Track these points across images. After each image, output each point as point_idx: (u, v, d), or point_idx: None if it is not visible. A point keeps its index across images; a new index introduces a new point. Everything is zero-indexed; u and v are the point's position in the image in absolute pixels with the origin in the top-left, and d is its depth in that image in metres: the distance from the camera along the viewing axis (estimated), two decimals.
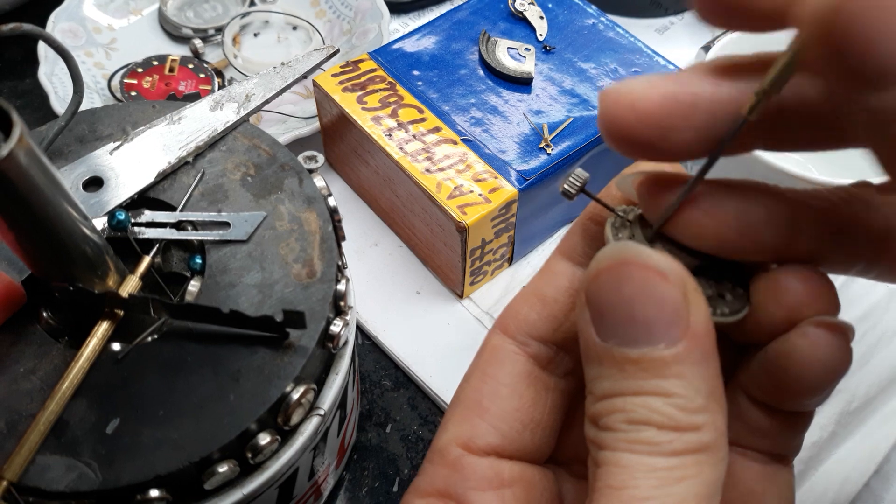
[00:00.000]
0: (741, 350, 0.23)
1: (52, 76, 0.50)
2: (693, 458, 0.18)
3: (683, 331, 0.18)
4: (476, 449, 0.22)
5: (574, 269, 0.24)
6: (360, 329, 0.45)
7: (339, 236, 0.32)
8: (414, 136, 0.43)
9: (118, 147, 0.33)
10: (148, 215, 0.31)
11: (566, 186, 0.22)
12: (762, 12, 0.17)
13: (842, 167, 0.48)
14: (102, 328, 0.27)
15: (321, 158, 0.33)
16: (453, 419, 0.23)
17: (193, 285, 0.31)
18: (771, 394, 0.21)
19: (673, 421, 0.18)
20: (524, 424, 0.23)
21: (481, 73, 0.46)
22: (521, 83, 0.46)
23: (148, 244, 0.31)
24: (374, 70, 0.46)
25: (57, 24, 0.54)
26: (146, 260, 0.30)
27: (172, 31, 0.57)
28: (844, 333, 0.20)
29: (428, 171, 0.41)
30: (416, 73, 0.46)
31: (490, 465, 0.22)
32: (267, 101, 0.36)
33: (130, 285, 0.29)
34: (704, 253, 0.21)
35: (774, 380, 0.21)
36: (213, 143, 0.33)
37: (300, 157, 0.33)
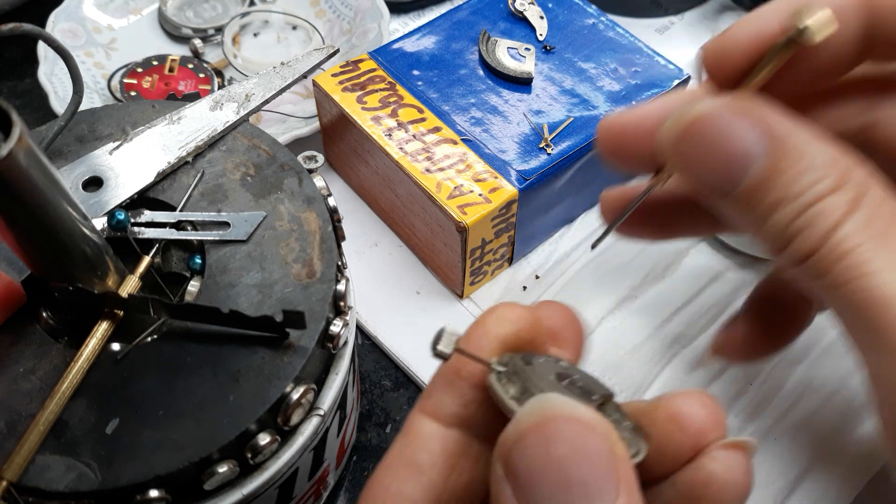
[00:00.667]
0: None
1: (51, 76, 0.50)
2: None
3: (617, 484, 0.17)
4: None
5: (445, 431, 0.21)
6: (360, 329, 0.44)
7: (338, 236, 0.32)
8: (414, 136, 0.43)
9: (118, 147, 0.33)
10: (147, 215, 0.31)
11: (440, 348, 0.21)
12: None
13: None
14: (102, 328, 0.27)
15: (321, 158, 0.33)
16: None
17: (193, 285, 0.31)
18: None
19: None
20: None
21: (481, 72, 0.46)
22: (521, 83, 0.46)
23: (148, 244, 0.31)
24: (373, 70, 0.46)
25: (57, 24, 0.54)
26: (146, 260, 0.30)
27: (172, 31, 0.57)
28: (751, 451, 0.20)
29: (428, 170, 0.41)
30: (416, 72, 0.46)
31: None
32: (267, 101, 0.36)
33: (130, 285, 0.29)
34: (602, 397, 0.20)
35: None
36: (212, 143, 0.33)
37: (300, 157, 0.33)
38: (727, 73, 0.23)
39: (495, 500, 0.18)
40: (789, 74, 0.22)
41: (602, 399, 0.20)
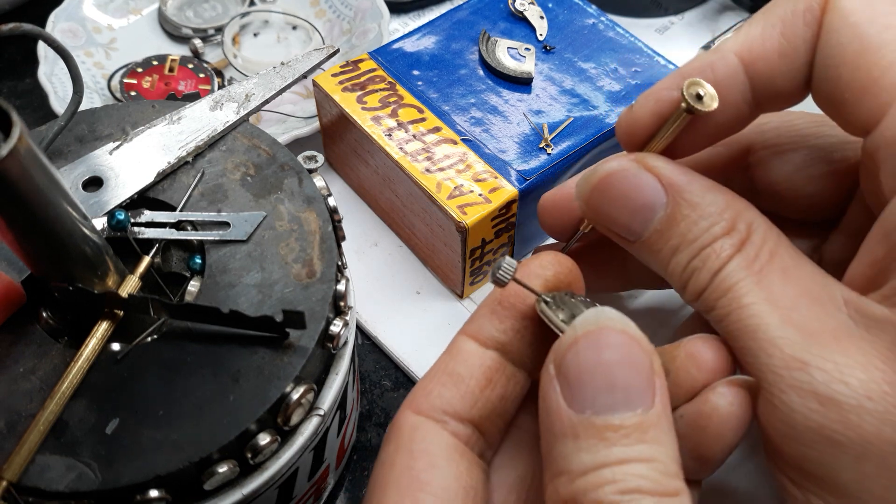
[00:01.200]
0: None
1: (51, 76, 0.50)
2: None
3: (653, 396, 0.19)
4: None
5: (483, 351, 0.24)
6: (360, 329, 0.44)
7: (338, 236, 0.32)
8: (414, 136, 0.43)
9: (118, 147, 0.33)
10: (147, 215, 0.31)
11: (499, 275, 0.23)
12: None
13: None
14: (102, 328, 0.27)
15: (321, 158, 0.33)
16: (388, 499, 0.22)
17: (193, 285, 0.31)
18: (687, 455, 0.22)
19: (659, 486, 0.18)
20: (466, 492, 0.22)
21: (481, 72, 0.46)
22: (521, 83, 0.46)
23: (148, 244, 0.31)
24: (373, 70, 0.46)
25: (56, 24, 0.54)
26: (146, 260, 0.30)
27: (172, 31, 0.57)
28: (753, 388, 0.22)
29: (428, 170, 0.41)
30: (416, 72, 0.46)
31: None
32: (267, 101, 0.36)
33: (130, 285, 0.29)
34: None
35: (691, 441, 0.22)
36: (212, 143, 0.33)
37: (300, 157, 0.33)
38: (635, 140, 0.26)
39: (543, 397, 0.20)
40: (690, 136, 0.25)
41: None
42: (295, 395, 0.27)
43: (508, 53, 0.47)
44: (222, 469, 0.26)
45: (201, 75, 0.54)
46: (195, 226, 0.31)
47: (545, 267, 0.24)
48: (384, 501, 0.22)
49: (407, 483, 0.22)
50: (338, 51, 0.39)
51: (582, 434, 0.19)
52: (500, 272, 0.23)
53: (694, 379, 0.22)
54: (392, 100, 0.45)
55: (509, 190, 0.41)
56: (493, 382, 0.23)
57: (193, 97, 0.52)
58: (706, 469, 0.23)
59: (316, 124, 0.49)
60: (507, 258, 0.23)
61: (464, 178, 0.41)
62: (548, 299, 0.23)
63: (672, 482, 0.19)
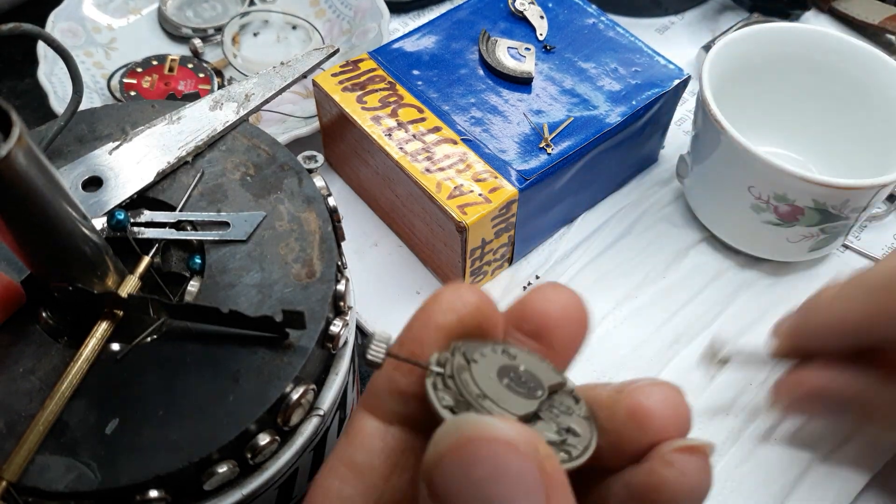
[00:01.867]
0: (589, 478, 0.21)
1: (51, 76, 0.50)
2: None
3: (546, 500, 0.16)
4: None
5: (385, 428, 0.21)
6: (360, 329, 0.44)
7: (338, 236, 0.32)
8: (414, 136, 0.43)
9: (117, 147, 0.33)
10: (147, 215, 0.31)
11: (370, 356, 0.20)
12: None
13: (842, 167, 0.49)
14: (102, 328, 0.27)
15: (321, 158, 0.33)
16: None
17: (193, 285, 0.31)
18: None
19: None
20: None
21: (481, 72, 0.46)
22: (521, 83, 0.46)
23: (147, 244, 0.31)
24: (373, 70, 0.46)
25: (56, 24, 0.54)
26: (145, 260, 0.30)
27: (172, 31, 0.57)
28: (707, 455, 0.19)
29: (428, 170, 0.41)
30: (415, 72, 0.46)
31: None
32: (266, 101, 0.35)
33: (130, 285, 0.29)
34: (548, 389, 0.19)
35: None
36: (212, 143, 0.33)
37: (300, 157, 0.33)
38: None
39: None
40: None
41: (549, 391, 0.20)
42: (295, 396, 0.27)
43: (508, 53, 0.47)
44: (222, 469, 0.26)
45: (201, 75, 0.54)
46: (195, 226, 0.31)
47: (444, 314, 0.21)
48: None
49: None
50: (338, 51, 0.39)
51: None
52: (369, 354, 0.20)
53: (637, 440, 0.19)
54: (392, 100, 0.44)
55: (509, 190, 0.41)
56: (400, 467, 0.20)
57: (193, 97, 0.52)
58: None
59: (316, 124, 0.49)
60: (378, 333, 0.20)
61: (464, 178, 0.41)
62: (437, 370, 0.19)
63: None
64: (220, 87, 0.53)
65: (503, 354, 0.20)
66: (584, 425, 0.19)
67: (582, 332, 0.22)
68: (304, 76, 0.37)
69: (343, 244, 0.33)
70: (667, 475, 0.19)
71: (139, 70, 0.53)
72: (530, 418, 0.19)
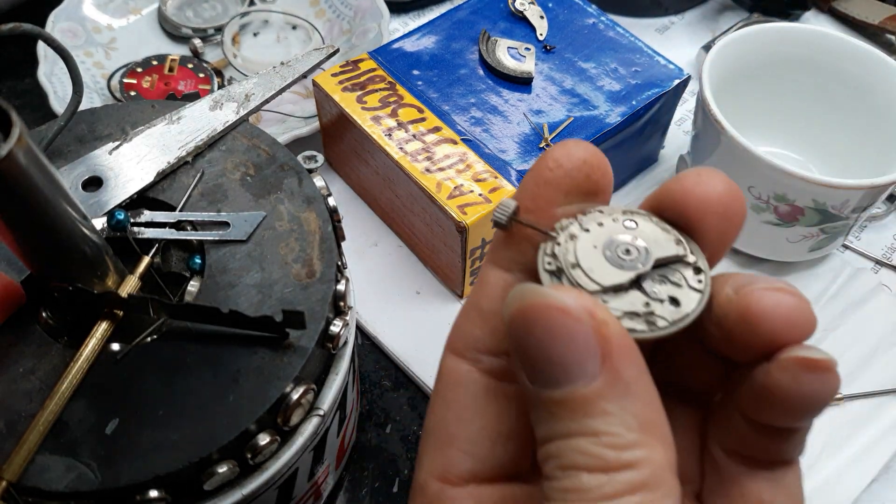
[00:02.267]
0: (726, 369, 0.22)
1: (51, 76, 0.50)
2: (630, 500, 0.17)
3: (599, 366, 0.18)
4: (454, 479, 0.22)
5: (506, 276, 0.22)
6: (360, 329, 0.44)
7: (338, 236, 0.32)
8: (414, 136, 0.43)
9: (117, 147, 0.33)
10: (147, 215, 0.31)
11: (495, 216, 0.21)
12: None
13: (842, 167, 0.49)
14: (102, 328, 0.27)
15: (321, 158, 0.33)
16: (426, 453, 0.22)
17: (193, 285, 0.31)
18: (761, 416, 0.21)
19: (603, 462, 0.18)
20: (494, 441, 0.22)
21: (481, 72, 0.46)
22: (521, 83, 0.46)
23: (147, 244, 0.31)
24: (373, 70, 0.46)
25: (56, 24, 0.54)
26: (145, 260, 0.30)
27: (172, 31, 0.57)
28: (829, 369, 0.19)
29: (428, 170, 0.41)
30: (416, 72, 0.46)
31: (470, 494, 0.22)
32: (266, 101, 0.35)
33: (130, 285, 0.29)
34: (654, 262, 0.20)
35: (763, 405, 0.20)
36: (212, 143, 0.33)
37: (300, 157, 0.33)
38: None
39: (514, 367, 0.20)
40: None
41: (657, 263, 0.20)
42: (295, 396, 0.27)
43: (508, 53, 0.47)
44: (222, 469, 0.26)
45: (201, 75, 0.54)
46: (195, 226, 0.31)
47: (553, 168, 0.21)
48: (422, 450, 0.22)
49: (438, 437, 0.22)
50: (338, 51, 0.39)
51: (535, 406, 0.19)
52: (496, 214, 0.21)
53: (748, 345, 0.20)
54: (392, 100, 0.44)
55: (509, 190, 0.41)
56: None
57: (193, 97, 0.52)
58: (785, 444, 0.21)
59: (316, 124, 0.49)
60: (505, 199, 0.21)
61: (464, 178, 0.41)
62: (553, 234, 0.21)
63: (622, 455, 0.18)
64: (220, 87, 0.53)
65: (626, 223, 0.21)
66: (692, 297, 0.20)
67: (734, 225, 0.21)
68: (304, 76, 0.37)
69: (343, 244, 0.33)
70: (781, 379, 0.19)
71: (139, 70, 0.53)
72: (621, 288, 0.20)
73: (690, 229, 0.21)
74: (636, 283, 0.20)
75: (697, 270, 0.21)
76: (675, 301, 0.20)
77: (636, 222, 0.21)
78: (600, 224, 0.21)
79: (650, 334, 0.20)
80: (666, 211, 0.21)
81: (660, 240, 0.21)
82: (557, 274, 0.21)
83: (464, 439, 0.22)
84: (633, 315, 0.20)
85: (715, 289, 0.21)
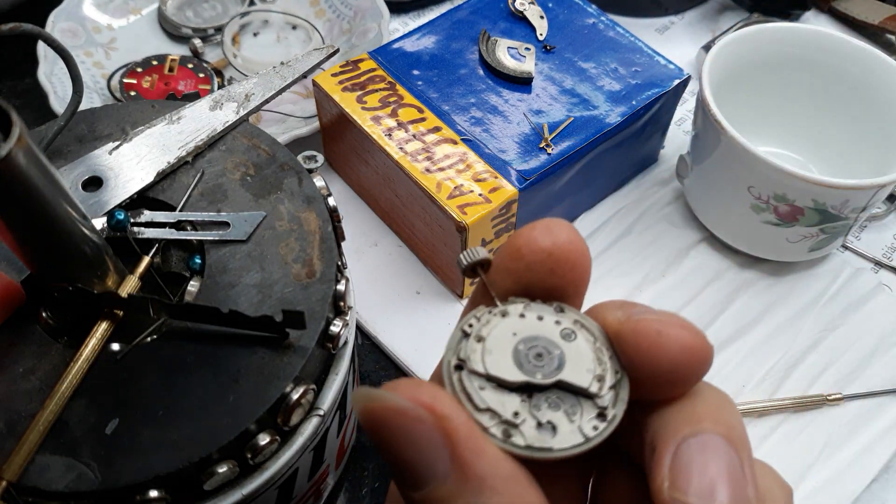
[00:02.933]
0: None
1: (51, 76, 0.50)
2: None
3: (448, 463, 0.17)
4: None
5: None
6: (360, 329, 0.44)
7: (338, 236, 0.32)
8: (414, 136, 0.43)
9: (117, 147, 0.33)
10: (147, 215, 0.31)
11: (461, 258, 0.20)
12: None
13: (842, 167, 0.49)
14: (102, 328, 0.27)
15: (321, 158, 0.33)
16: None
17: (193, 285, 0.31)
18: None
19: None
20: None
21: (481, 72, 0.46)
22: (521, 83, 0.46)
23: (147, 244, 0.31)
24: (373, 70, 0.46)
25: (56, 24, 0.54)
26: (145, 260, 0.30)
27: (172, 31, 0.57)
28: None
29: (428, 170, 0.41)
30: (415, 72, 0.46)
31: None
32: (266, 101, 0.35)
33: (130, 285, 0.29)
34: (556, 380, 0.19)
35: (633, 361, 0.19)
36: (212, 143, 0.33)
37: (300, 157, 0.33)
38: None
39: None
40: None
41: (557, 382, 0.19)
42: (295, 396, 0.27)
43: (508, 53, 0.47)
44: (222, 469, 0.26)
45: (201, 75, 0.54)
46: (195, 226, 0.31)
47: (509, 266, 0.20)
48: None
49: None
50: (338, 51, 0.39)
51: None
52: (462, 255, 0.20)
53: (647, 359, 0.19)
54: (392, 100, 0.44)
55: (509, 190, 0.41)
56: None
57: (193, 97, 0.52)
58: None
59: (316, 124, 0.49)
60: (480, 248, 0.20)
61: (464, 178, 0.41)
62: (488, 310, 0.20)
63: None
64: (220, 87, 0.53)
65: (564, 330, 0.19)
66: (572, 437, 0.18)
67: (584, 272, 0.20)
68: (304, 76, 0.37)
69: (343, 244, 0.33)
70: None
71: (139, 70, 0.53)
72: (504, 385, 0.19)
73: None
74: (525, 390, 0.19)
75: (601, 417, 0.19)
76: (552, 428, 0.18)
77: (575, 334, 0.19)
78: (540, 318, 0.19)
79: (503, 445, 0.18)
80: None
81: (585, 364, 0.19)
82: (465, 337, 0.19)
83: None
84: (494, 415, 0.18)
85: (602, 314, 0.19)
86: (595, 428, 0.18)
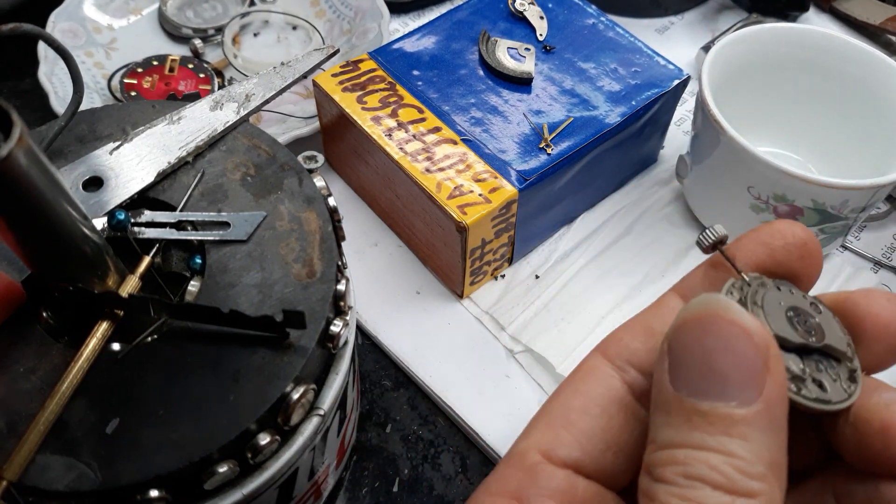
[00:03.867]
0: (827, 456, 0.22)
1: (51, 76, 0.50)
2: None
3: (757, 393, 0.18)
4: (555, 459, 0.22)
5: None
6: (360, 329, 0.44)
7: (339, 236, 0.32)
8: (414, 136, 0.43)
9: (118, 147, 0.33)
10: (148, 215, 0.31)
11: (701, 237, 0.22)
12: None
13: (842, 167, 0.49)
14: (102, 328, 0.27)
15: (321, 158, 0.33)
16: (538, 426, 0.23)
17: (193, 285, 0.31)
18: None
19: (729, 482, 0.18)
20: (608, 446, 0.22)
21: (481, 73, 0.46)
22: (521, 83, 0.46)
23: (148, 244, 0.31)
24: (373, 70, 0.46)
25: (57, 24, 0.54)
26: (146, 260, 0.30)
27: (172, 31, 0.57)
28: None
29: (428, 171, 0.41)
30: (416, 72, 0.46)
31: (566, 478, 0.22)
32: (267, 101, 0.36)
33: (130, 285, 0.29)
34: (823, 344, 0.21)
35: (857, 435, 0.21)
36: (212, 143, 0.33)
37: (300, 157, 0.33)
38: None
39: (655, 368, 0.20)
40: None
41: (825, 348, 0.21)
42: (295, 395, 0.27)
43: (508, 53, 0.47)
44: (222, 469, 0.26)
45: (201, 75, 0.54)
46: (195, 226, 0.31)
47: (767, 241, 0.22)
48: (533, 424, 0.23)
49: (557, 416, 0.23)
50: (338, 51, 0.39)
51: (673, 411, 0.19)
52: (703, 235, 0.22)
53: (884, 458, 0.20)
54: (392, 100, 0.45)
55: (509, 190, 0.41)
56: None
57: (193, 97, 0.53)
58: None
59: (316, 124, 0.49)
60: (719, 225, 0.23)
61: (464, 178, 0.41)
62: (745, 279, 0.22)
63: (748, 483, 0.18)
64: (220, 88, 0.53)
65: (812, 303, 0.22)
66: (839, 394, 0.21)
67: (819, 268, 0.23)
68: (305, 76, 0.37)
69: (343, 244, 0.33)
70: (879, 401, 0.20)
71: (140, 70, 0.53)
72: (786, 345, 0.21)
73: (857, 341, 0.22)
74: (799, 352, 0.21)
75: (852, 377, 0.21)
76: (821, 387, 0.20)
77: (820, 308, 0.22)
78: (791, 292, 0.22)
79: (795, 397, 0.20)
80: (842, 314, 0.22)
81: (836, 333, 0.22)
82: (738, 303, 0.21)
83: (581, 431, 0.22)
84: (787, 370, 0.20)
85: (864, 390, 0.21)
86: (851, 387, 0.21)
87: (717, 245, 0.22)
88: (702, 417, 0.18)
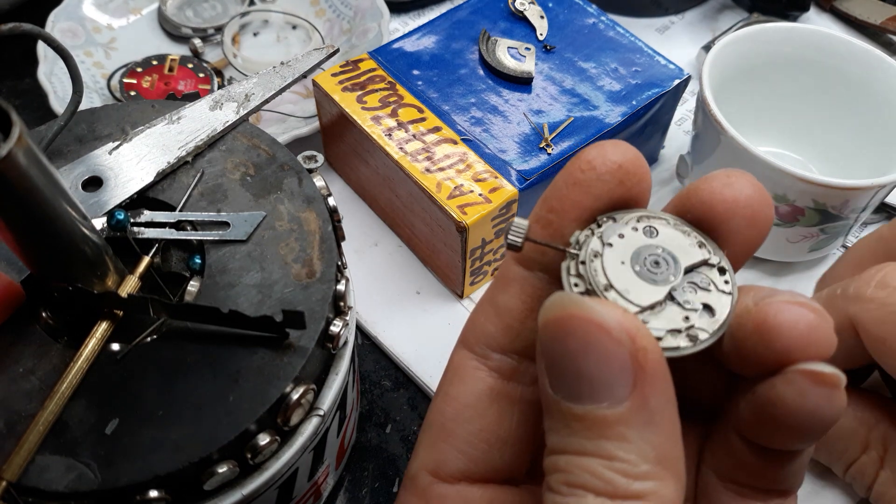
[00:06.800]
0: (729, 385, 0.21)
1: (51, 76, 0.50)
2: None
3: (629, 389, 0.17)
4: (444, 476, 0.21)
5: (526, 274, 0.22)
6: (360, 329, 0.44)
7: (338, 236, 0.32)
8: (414, 136, 0.43)
9: (117, 147, 0.33)
10: (147, 215, 0.31)
11: (509, 239, 0.21)
12: None
13: (842, 167, 0.49)
14: (102, 328, 0.27)
15: (321, 158, 0.33)
16: (423, 444, 0.22)
17: (193, 285, 0.31)
18: (760, 436, 0.20)
19: (612, 488, 0.17)
20: (490, 445, 0.21)
21: (481, 72, 0.46)
22: (522, 83, 0.46)
23: (147, 244, 0.31)
24: (373, 69, 0.46)
25: (56, 24, 0.54)
26: (145, 260, 0.30)
27: (172, 31, 0.57)
28: (836, 385, 0.18)
29: (428, 170, 0.41)
30: (416, 72, 0.46)
31: (459, 493, 0.21)
32: (266, 101, 0.35)
33: (130, 285, 0.29)
34: (680, 269, 0.20)
35: (762, 422, 0.20)
36: (212, 143, 0.33)
37: (300, 157, 0.33)
38: None
39: (537, 367, 0.19)
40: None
41: (685, 270, 0.20)
42: (295, 396, 0.27)
43: (508, 53, 0.47)
44: (222, 469, 0.26)
45: (201, 75, 0.54)
46: (195, 226, 0.31)
47: (584, 192, 0.20)
48: (419, 442, 0.22)
49: (436, 430, 0.22)
50: (338, 50, 0.39)
51: (555, 415, 0.18)
52: (509, 237, 0.21)
53: (761, 357, 0.19)
54: (392, 100, 0.44)
55: (509, 190, 0.41)
56: (535, 311, 0.20)
57: (193, 97, 0.52)
58: (782, 470, 0.20)
59: (316, 124, 0.49)
60: (517, 219, 0.21)
61: (464, 178, 0.41)
62: (573, 252, 0.20)
63: (632, 485, 0.17)
64: (220, 87, 0.53)
65: (645, 231, 0.20)
66: (723, 302, 0.20)
67: (761, 231, 0.20)
68: (304, 76, 0.37)
69: (343, 244, 0.33)
70: (786, 393, 0.19)
71: (139, 70, 0.53)
72: (658, 305, 0.19)
73: (714, 232, 0.20)
74: (671, 297, 0.20)
75: (722, 271, 0.20)
76: (709, 308, 0.19)
77: (656, 229, 0.20)
78: (621, 236, 0.20)
79: (694, 349, 0.19)
80: (690, 212, 0.21)
81: (683, 245, 0.20)
82: (589, 296, 0.19)
83: (460, 439, 0.21)
84: (675, 332, 0.19)
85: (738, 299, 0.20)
86: (726, 282, 0.20)
87: (527, 238, 0.21)
88: (578, 421, 0.18)
